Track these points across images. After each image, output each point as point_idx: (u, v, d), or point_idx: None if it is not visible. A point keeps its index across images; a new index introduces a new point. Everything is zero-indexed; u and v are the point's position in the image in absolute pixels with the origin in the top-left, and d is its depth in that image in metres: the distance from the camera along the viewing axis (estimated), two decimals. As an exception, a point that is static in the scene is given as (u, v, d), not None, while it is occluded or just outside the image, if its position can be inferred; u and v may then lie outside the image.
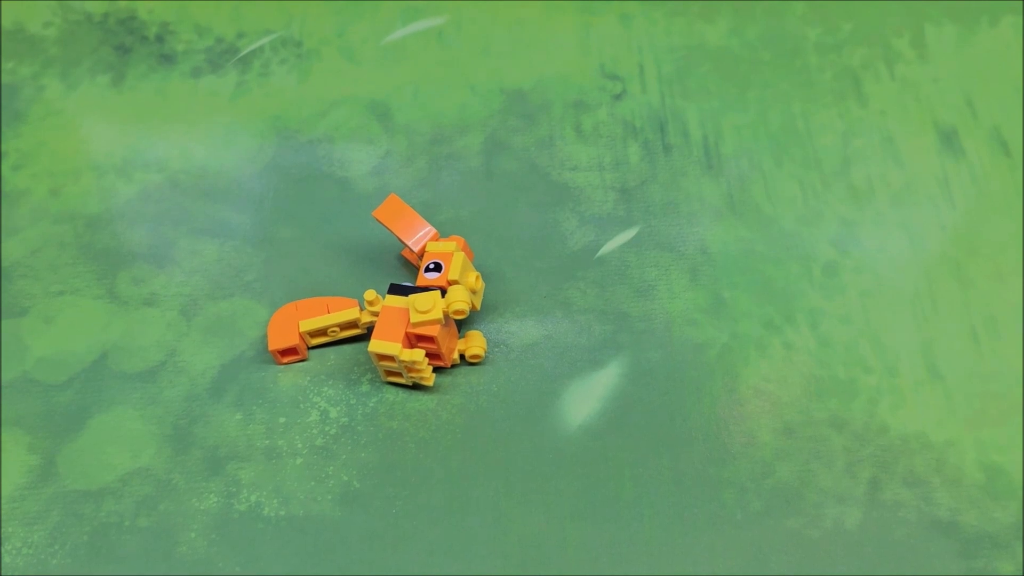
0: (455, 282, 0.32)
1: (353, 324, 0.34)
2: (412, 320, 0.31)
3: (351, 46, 0.42)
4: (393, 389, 0.34)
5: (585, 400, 0.33)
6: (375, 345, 0.32)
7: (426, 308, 0.31)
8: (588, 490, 0.32)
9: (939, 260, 0.36)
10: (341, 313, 0.34)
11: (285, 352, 0.34)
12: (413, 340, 0.32)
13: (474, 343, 0.34)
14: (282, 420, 0.33)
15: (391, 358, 0.32)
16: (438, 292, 0.32)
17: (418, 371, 0.32)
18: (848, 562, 0.30)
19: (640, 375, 0.34)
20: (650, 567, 0.30)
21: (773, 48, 0.42)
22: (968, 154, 0.39)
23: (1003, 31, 0.42)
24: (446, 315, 0.32)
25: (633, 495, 0.32)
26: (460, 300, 0.32)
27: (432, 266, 0.33)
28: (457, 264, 0.32)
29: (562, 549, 0.31)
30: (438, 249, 0.33)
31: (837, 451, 0.32)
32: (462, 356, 0.34)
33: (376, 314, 0.33)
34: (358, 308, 0.34)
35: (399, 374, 0.33)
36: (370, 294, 0.33)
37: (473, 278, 0.33)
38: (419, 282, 0.33)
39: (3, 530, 0.31)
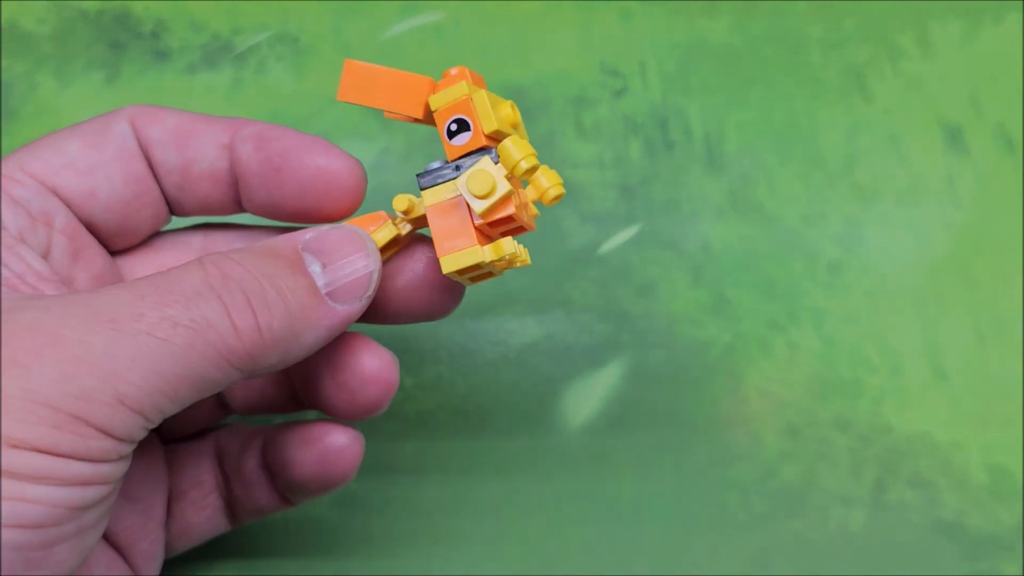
0: (499, 134, 0.24)
1: (393, 243, 0.25)
2: (477, 211, 0.23)
3: (349, 42, 0.42)
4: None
5: (585, 400, 0.33)
6: (450, 263, 0.23)
7: (485, 189, 0.23)
8: (589, 491, 0.31)
9: (944, 259, 0.36)
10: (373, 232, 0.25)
11: None
12: (487, 229, 0.24)
13: (545, 181, 0.23)
14: (279, 420, 0.32)
15: (477, 266, 0.24)
16: (486, 159, 0.23)
17: (514, 258, 0.24)
18: (853, 564, 0.30)
19: (641, 375, 0.34)
20: (651, 569, 0.30)
21: (776, 45, 0.41)
22: (973, 152, 0.39)
23: (1008, 28, 0.42)
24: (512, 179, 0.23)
25: (634, 496, 0.31)
26: (524, 157, 0.23)
27: (454, 126, 0.24)
28: (485, 107, 0.23)
29: (562, 551, 0.30)
30: (446, 100, 0.24)
31: (842, 452, 0.32)
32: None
33: (417, 220, 0.25)
34: (389, 221, 0.25)
35: (487, 274, 0.25)
36: (401, 201, 0.24)
37: (508, 107, 0.24)
38: (450, 155, 0.24)
39: None
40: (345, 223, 0.25)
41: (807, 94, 0.40)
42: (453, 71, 0.25)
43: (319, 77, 0.41)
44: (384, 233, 0.24)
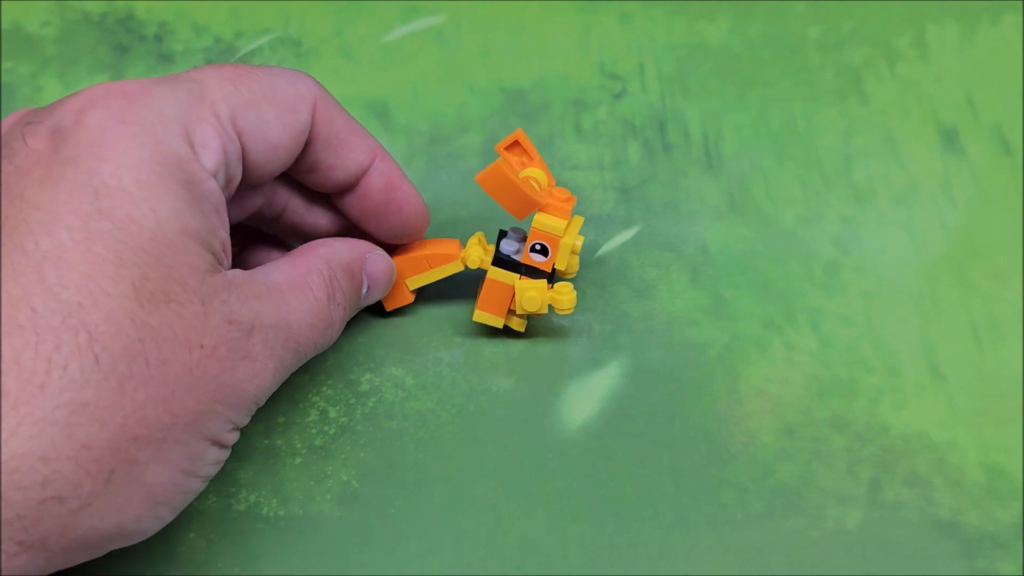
0: (561, 273, 0.33)
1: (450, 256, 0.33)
2: (517, 311, 0.33)
3: (350, 45, 0.42)
4: (392, 388, 0.33)
5: (585, 400, 0.33)
6: (479, 317, 0.33)
7: (533, 308, 0.32)
8: (588, 491, 0.32)
9: (941, 260, 0.36)
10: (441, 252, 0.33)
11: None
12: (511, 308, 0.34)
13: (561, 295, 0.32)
14: (280, 419, 0.33)
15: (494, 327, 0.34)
16: (544, 282, 0.32)
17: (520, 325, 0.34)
18: (849, 562, 0.30)
19: (640, 375, 0.34)
20: (650, 568, 0.30)
21: (774, 47, 0.42)
22: (969, 153, 0.39)
23: (1004, 30, 0.42)
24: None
25: (633, 496, 0.31)
26: (567, 300, 0.32)
27: (539, 247, 0.32)
28: (564, 255, 0.32)
29: (561, 550, 0.30)
30: (547, 223, 0.31)
31: (838, 451, 0.32)
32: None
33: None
34: (460, 262, 0.33)
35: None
36: (473, 261, 0.32)
37: (575, 244, 0.32)
38: (524, 258, 0.32)
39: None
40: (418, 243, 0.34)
41: (804, 96, 0.40)
42: (562, 202, 0.32)
43: (321, 79, 0.41)
44: (452, 268, 0.33)
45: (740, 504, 0.31)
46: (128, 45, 0.42)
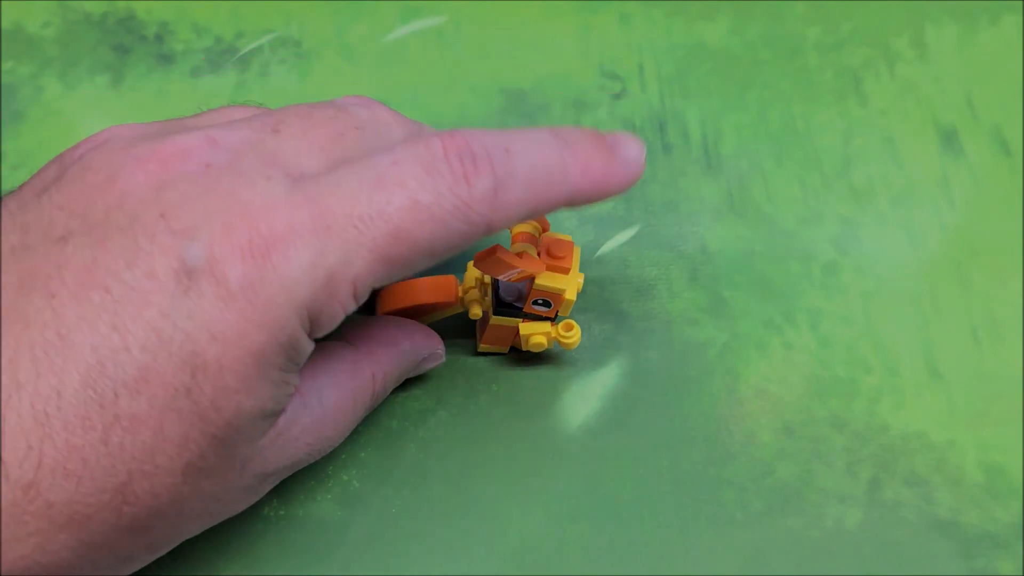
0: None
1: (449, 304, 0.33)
2: (524, 347, 0.32)
3: (350, 46, 0.42)
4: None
5: (585, 400, 0.33)
6: (485, 349, 0.34)
7: (537, 350, 0.32)
8: (588, 490, 0.32)
9: (940, 260, 0.36)
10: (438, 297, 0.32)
11: None
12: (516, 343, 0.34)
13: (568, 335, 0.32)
14: (281, 420, 0.33)
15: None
16: (548, 324, 0.32)
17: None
18: (848, 562, 0.30)
19: (640, 375, 0.34)
20: (649, 567, 0.30)
21: (773, 48, 0.42)
22: (968, 154, 0.39)
23: (1004, 30, 0.42)
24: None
25: (632, 495, 0.32)
26: (573, 341, 0.32)
27: (540, 301, 0.31)
28: (567, 308, 0.31)
29: (561, 549, 0.31)
30: (551, 282, 0.30)
31: (837, 451, 0.32)
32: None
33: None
34: (459, 305, 0.33)
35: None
36: (475, 314, 0.32)
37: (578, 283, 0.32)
38: (527, 308, 0.31)
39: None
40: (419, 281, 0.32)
41: (804, 96, 0.40)
42: (560, 257, 0.30)
43: (321, 80, 0.41)
44: (449, 311, 0.33)
45: (740, 504, 0.31)
46: (129, 45, 0.42)
